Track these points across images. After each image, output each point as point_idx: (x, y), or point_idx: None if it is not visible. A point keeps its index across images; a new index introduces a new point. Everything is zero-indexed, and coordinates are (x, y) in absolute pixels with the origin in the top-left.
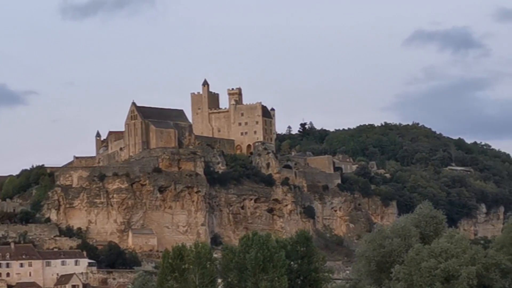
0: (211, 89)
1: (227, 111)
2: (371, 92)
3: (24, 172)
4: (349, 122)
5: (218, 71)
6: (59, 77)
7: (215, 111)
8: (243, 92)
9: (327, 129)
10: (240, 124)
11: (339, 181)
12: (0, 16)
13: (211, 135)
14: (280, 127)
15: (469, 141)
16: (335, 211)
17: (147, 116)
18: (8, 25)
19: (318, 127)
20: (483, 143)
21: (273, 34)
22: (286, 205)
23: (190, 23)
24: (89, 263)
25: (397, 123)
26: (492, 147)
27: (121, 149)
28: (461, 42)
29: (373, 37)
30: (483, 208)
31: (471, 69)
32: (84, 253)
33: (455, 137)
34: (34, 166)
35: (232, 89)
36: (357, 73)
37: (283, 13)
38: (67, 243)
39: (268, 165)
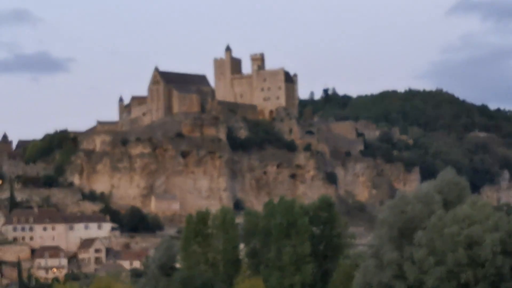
0: (233, 55)
1: (250, 77)
2: (403, 59)
3: (47, 136)
4: (372, 88)
5: (241, 37)
6: (99, 45)
7: (238, 76)
8: (265, 57)
9: (350, 95)
10: (262, 89)
11: (361, 147)
12: None
13: (233, 101)
14: (303, 93)
15: (493, 107)
16: (358, 177)
17: (169, 81)
18: None
19: (340, 93)
20: (506, 110)
21: None
22: (309, 171)
23: None
24: (112, 227)
25: (421, 90)
26: None
27: (143, 114)
28: (505, 11)
29: (415, 6)
30: (506, 174)
31: (510, 38)
32: (107, 217)
33: (479, 104)
34: (58, 130)
35: (255, 54)
36: (392, 40)
37: None
38: (90, 207)
39: (290, 130)
